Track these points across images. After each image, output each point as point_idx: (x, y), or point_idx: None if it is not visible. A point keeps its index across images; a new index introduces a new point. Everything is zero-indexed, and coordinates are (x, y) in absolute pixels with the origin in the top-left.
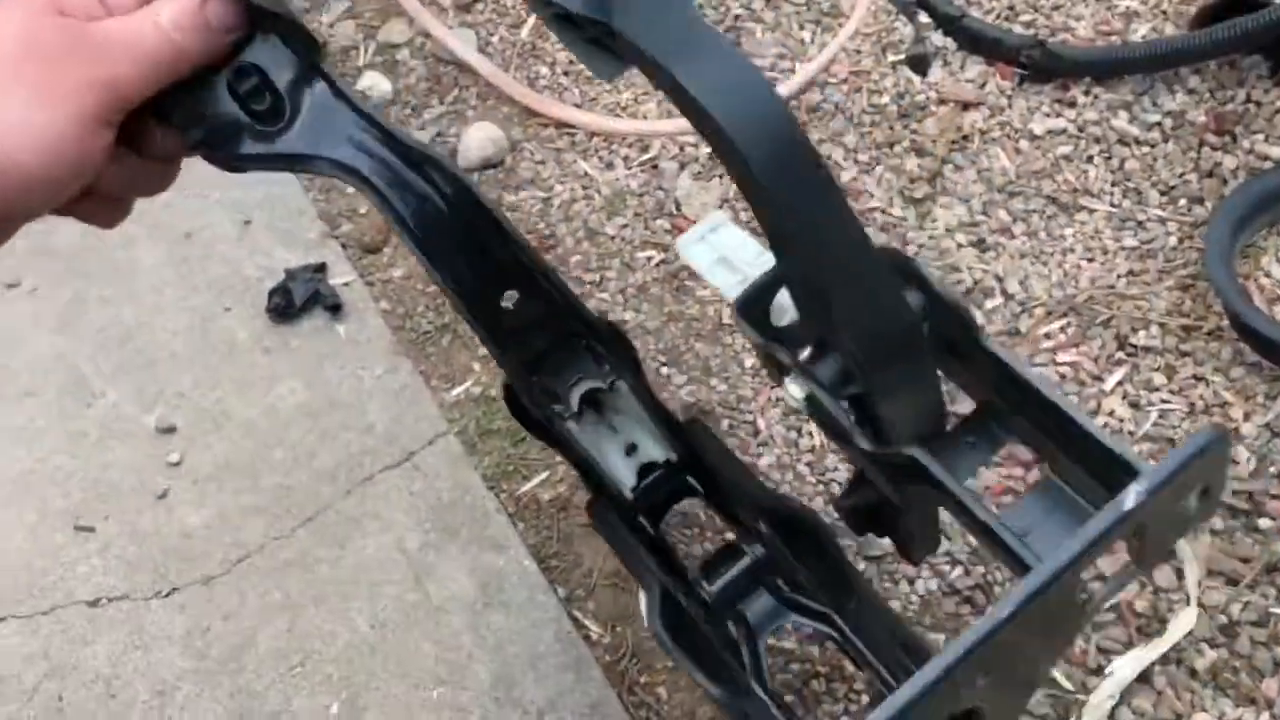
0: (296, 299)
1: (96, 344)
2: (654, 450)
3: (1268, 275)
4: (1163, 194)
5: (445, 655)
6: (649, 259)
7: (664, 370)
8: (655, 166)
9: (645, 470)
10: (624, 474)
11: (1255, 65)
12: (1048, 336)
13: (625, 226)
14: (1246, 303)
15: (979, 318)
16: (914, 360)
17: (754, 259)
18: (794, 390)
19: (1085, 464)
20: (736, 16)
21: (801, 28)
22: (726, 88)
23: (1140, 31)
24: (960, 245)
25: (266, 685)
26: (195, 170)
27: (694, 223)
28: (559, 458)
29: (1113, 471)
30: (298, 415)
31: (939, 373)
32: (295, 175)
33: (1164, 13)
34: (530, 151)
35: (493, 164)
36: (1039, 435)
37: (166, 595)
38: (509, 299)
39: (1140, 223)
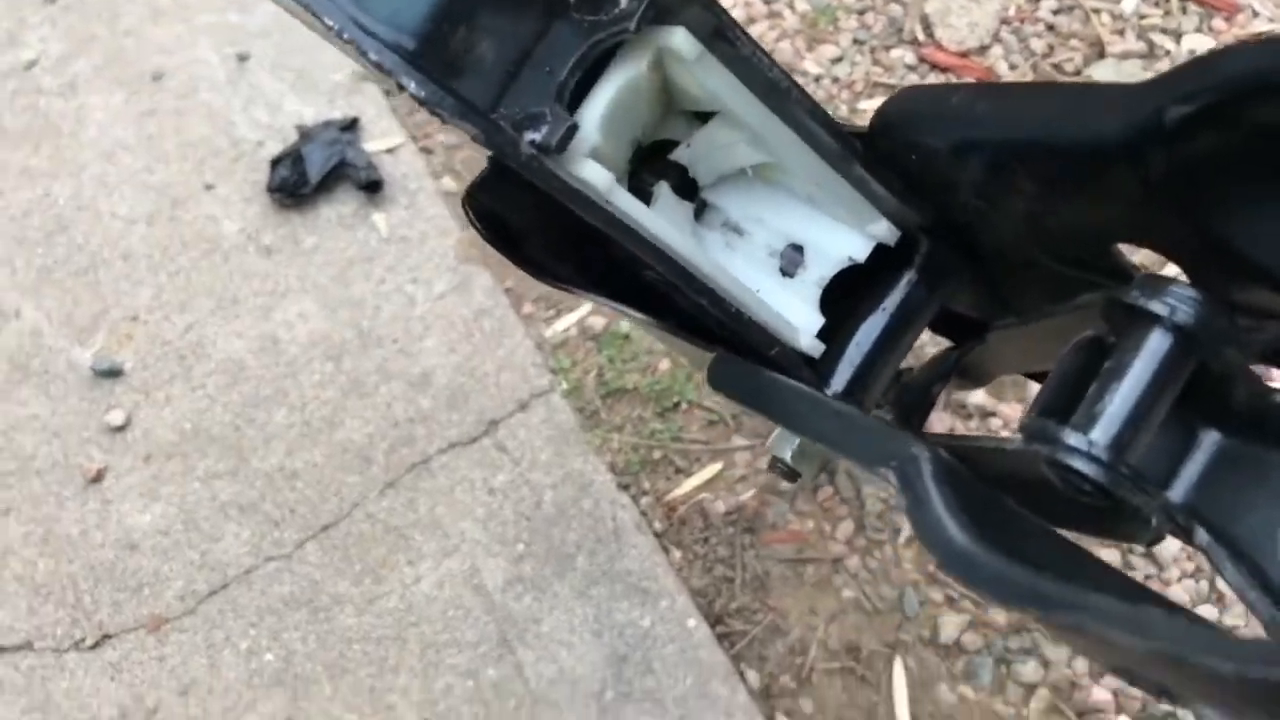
0: (312, 172)
1: (13, 237)
2: (834, 235)
3: None
4: None
5: None
6: None
7: None
8: None
9: (838, 293)
10: (792, 312)
11: None
12: None
13: (839, 61)
14: None
15: None
16: None
17: None
18: None
19: None
20: None
21: None
22: None
23: None
24: None
25: None
26: None
27: (956, 54)
28: (736, 438)
29: None
30: (311, 355)
31: None
32: None
33: None
34: None
35: None
36: None
37: (93, 646)
38: None
39: None
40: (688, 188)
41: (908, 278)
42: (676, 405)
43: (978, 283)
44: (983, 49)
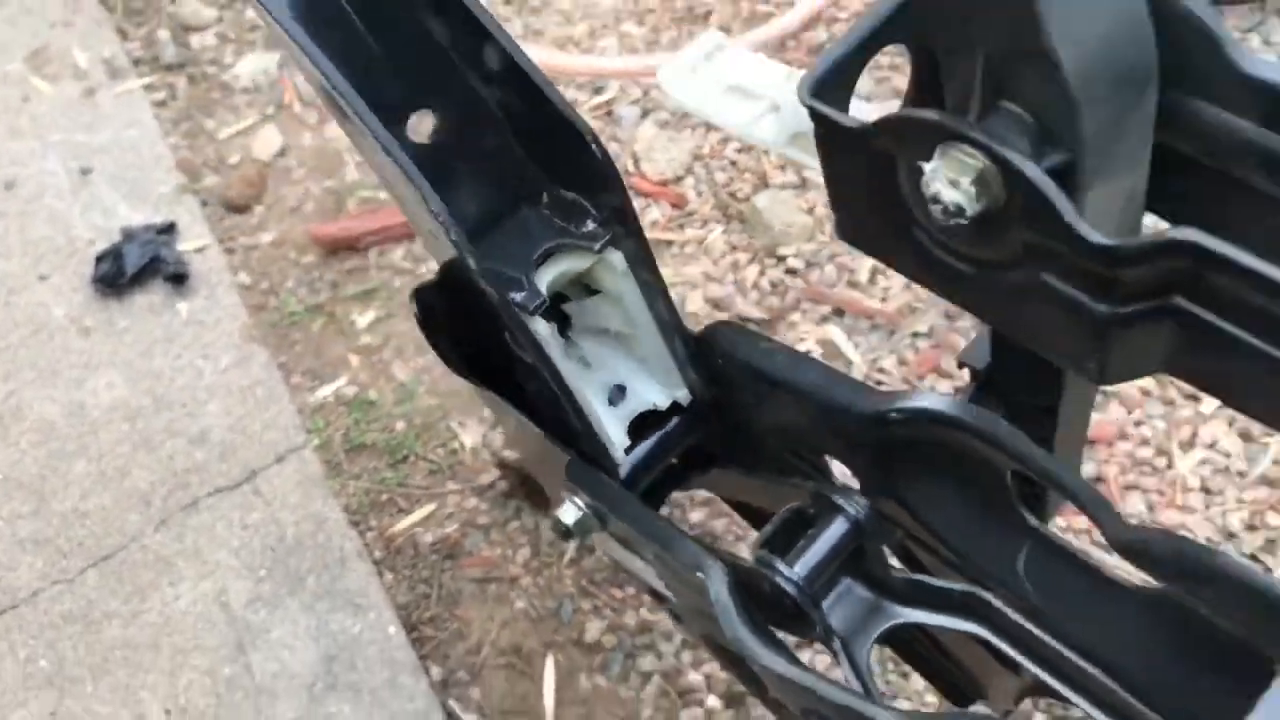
0: (128, 266)
1: None
2: (650, 389)
3: None
4: None
5: None
6: None
7: None
8: (610, 113)
9: (641, 426)
10: (610, 432)
11: None
12: None
13: None
14: None
15: None
16: (1143, 105)
17: (782, 81)
18: None
19: None
20: None
21: None
22: None
23: None
24: None
25: None
26: (31, 103)
27: (656, 183)
28: (450, 484)
29: None
30: (112, 417)
31: None
32: (155, 114)
33: None
34: None
35: None
36: None
37: None
38: (422, 122)
39: None
40: (562, 325)
41: (680, 418)
42: (406, 458)
43: (723, 435)
44: (678, 179)
